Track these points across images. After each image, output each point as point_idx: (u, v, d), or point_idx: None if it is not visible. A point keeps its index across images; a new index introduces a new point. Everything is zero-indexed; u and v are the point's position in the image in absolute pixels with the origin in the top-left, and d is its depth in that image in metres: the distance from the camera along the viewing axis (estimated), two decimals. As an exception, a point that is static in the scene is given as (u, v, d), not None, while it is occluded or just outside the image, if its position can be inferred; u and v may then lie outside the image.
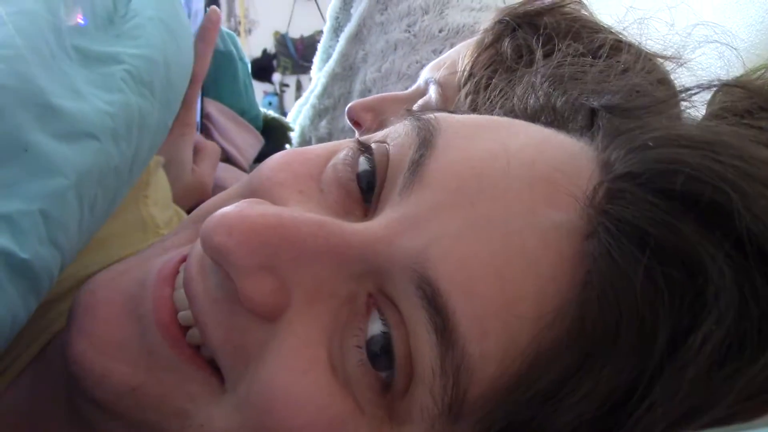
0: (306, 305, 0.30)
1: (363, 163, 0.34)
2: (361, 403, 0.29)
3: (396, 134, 0.34)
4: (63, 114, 0.36)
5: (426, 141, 0.32)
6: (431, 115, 0.34)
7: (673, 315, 0.27)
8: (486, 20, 0.92)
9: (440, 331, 0.28)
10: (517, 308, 0.28)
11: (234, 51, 0.81)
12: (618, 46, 0.56)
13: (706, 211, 0.28)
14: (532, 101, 0.41)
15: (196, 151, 0.69)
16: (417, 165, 0.31)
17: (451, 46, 0.90)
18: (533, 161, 0.31)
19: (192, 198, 0.67)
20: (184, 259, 0.33)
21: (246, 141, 0.85)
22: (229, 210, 0.30)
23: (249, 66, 0.88)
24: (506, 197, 0.30)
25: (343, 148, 0.35)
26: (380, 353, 0.29)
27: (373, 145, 0.34)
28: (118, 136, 0.39)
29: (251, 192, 0.34)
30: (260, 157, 0.93)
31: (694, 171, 0.28)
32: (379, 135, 0.36)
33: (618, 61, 0.47)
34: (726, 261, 0.27)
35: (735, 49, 0.52)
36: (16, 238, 0.31)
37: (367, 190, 0.33)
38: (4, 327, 0.30)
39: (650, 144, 0.30)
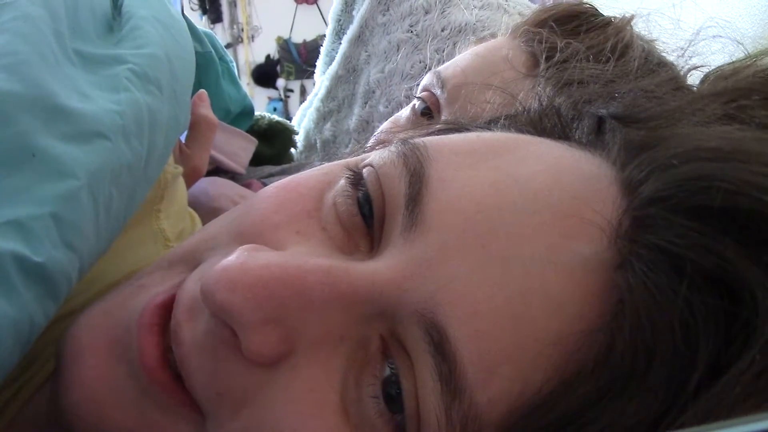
0: (312, 350, 0.29)
1: (361, 195, 0.32)
2: None
3: (381, 161, 0.33)
4: (71, 115, 0.35)
5: (416, 173, 0.31)
6: (419, 141, 0.33)
7: (712, 345, 0.25)
8: (492, 20, 0.92)
9: (446, 379, 0.27)
10: (535, 350, 0.27)
11: (212, 51, 0.80)
12: (626, 45, 0.56)
13: (745, 225, 0.26)
14: (535, 105, 0.39)
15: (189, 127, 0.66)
16: (414, 203, 0.30)
17: (454, 44, 0.90)
18: (548, 191, 0.29)
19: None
20: (163, 303, 0.33)
21: (235, 145, 0.84)
22: (229, 263, 0.29)
23: (233, 63, 0.86)
24: (522, 235, 0.28)
25: (337, 177, 0.34)
26: (393, 400, 0.28)
27: (364, 173, 0.33)
28: (129, 134, 0.39)
29: (242, 234, 0.33)
30: (263, 160, 0.93)
31: (727, 184, 0.26)
32: (368, 159, 0.34)
33: (632, 60, 0.45)
34: None
35: (741, 43, 0.52)
36: (28, 242, 0.30)
37: (370, 216, 0.32)
38: (23, 330, 0.30)
39: (674, 162, 0.28)
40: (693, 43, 0.54)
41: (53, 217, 0.32)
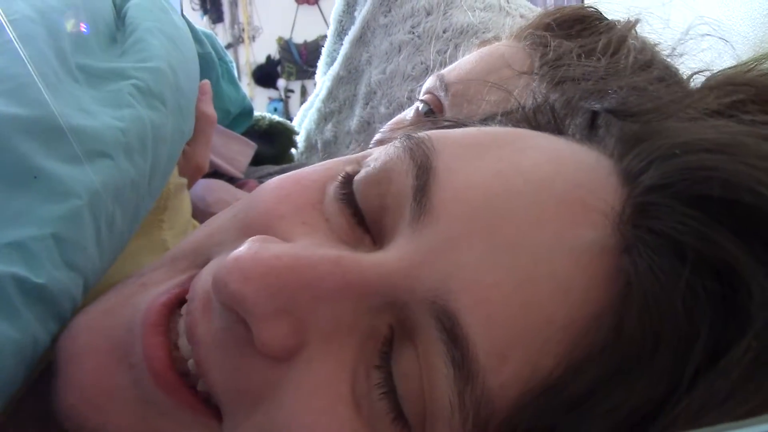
0: (324, 342, 0.29)
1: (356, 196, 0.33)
2: None
3: (387, 157, 0.33)
4: (72, 135, 0.35)
5: (423, 165, 0.31)
6: (423, 134, 0.33)
7: (711, 329, 0.26)
8: (494, 22, 0.92)
9: (458, 364, 0.27)
10: (544, 334, 0.27)
11: (212, 52, 0.79)
12: (619, 42, 0.56)
13: (743, 217, 0.27)
14: (530, 102, 0.40)
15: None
16: (422, 193, 0.30)
17: (455, 46, 0.90)
18: (551, 180, 0.30)
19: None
20: (168, 302, 0.33)
21: (234, 150, 0.83)
22: (241, 253, 0.29)
23: (232, 64, 0.86)
24: (528, 222, 0.29)
25: (338, 172, 0.34)
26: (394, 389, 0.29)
27: (354, 180, 0.33)
28: (132, 151, 0.39)
29: (249, 226, 0.33)
30: (264, 160, 0.93)
31: (728, 176, 0.27)
32: (371, 155, 0.34)
33: (624, 56, 0.46)
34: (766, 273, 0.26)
35: (728, 41, 0.52)
36: (29, 264, 0.31)
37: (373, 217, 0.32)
38: (26, 351, 0.30)
39: (677, 152, 0.29)
40: (682, 41, 0.55)
41: (54, 238, 0.32)
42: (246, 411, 0.29)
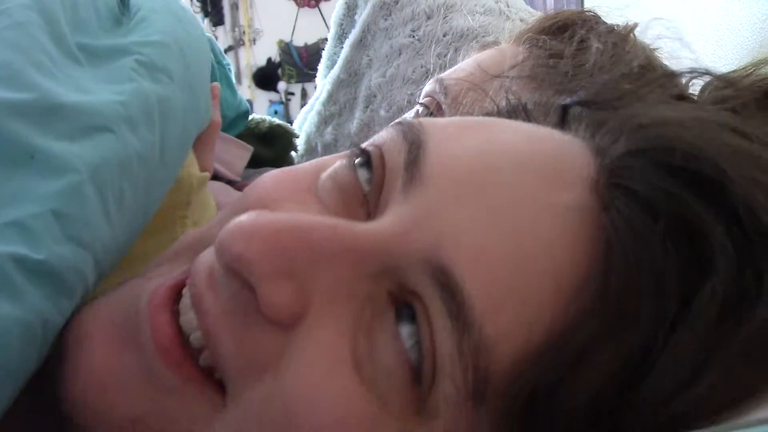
0: (325, 309, 0.30)
1: (362, 166, 0.34)
2: (391, 400, 0.29)
3: (382, 140, 0.35)
4: (70, 113, 0.35)
5: (415, 142, 0.33)
6: (414, 120, 0.35)
7: (682, 278, 0.28)
8: (494, 26, 0.92)
9: (455, 315, 0.28)
10: (535, 288, 0.29)
11: (211, 56, 0.80)
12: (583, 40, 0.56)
13: (705, 185, 0.29)
14: (504, 103, 0.42)
15: None
16: (413, 164, 0.32)
17: (456, 50, 0.91)
18: (530, 154, 0.32)
19: None
20: (174, 285, 0.33)
21: (231, 153, 0.83)
22: (244, 219, 0.30)
23: (230, 66, 0.86)
24: (512, 187, 0.31)
25: (332, 161, 0.36)
26: (412, 345, 0.29)
27: (369, 148, 0.35)
28: (136, 123, 0.39)
29: (243, 210, 0.33)
30: (263, 163, 0.93)
31: (691, 148, 0.30)
32: (368, 142, 0.36)
33: (591, 53, 0.48)
34: (725, 231, 0.29)
35: (680, 39, 0.55)
36: (28, 242, 0.30)
37: (370, 190, 0.34)
38: (33, 330, 0.30)
39: (644, 122, 0.32)
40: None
41: (54, 214, 0.32)
42: (252, 381, 0.30)
